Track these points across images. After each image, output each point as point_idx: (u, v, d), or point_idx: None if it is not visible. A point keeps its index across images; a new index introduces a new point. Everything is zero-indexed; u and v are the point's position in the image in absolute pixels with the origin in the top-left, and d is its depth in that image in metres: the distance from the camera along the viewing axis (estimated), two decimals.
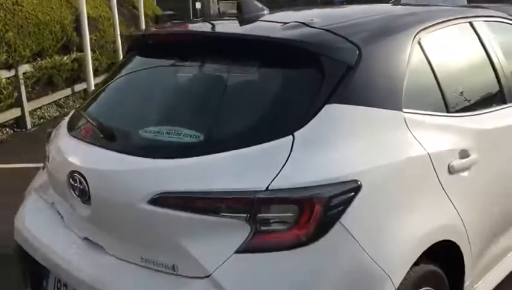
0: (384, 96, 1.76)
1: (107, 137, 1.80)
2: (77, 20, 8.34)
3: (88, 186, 1.71)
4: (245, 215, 1.48)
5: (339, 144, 1.60)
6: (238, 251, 1.47)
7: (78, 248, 1.85)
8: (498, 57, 2.40)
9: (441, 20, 2.18)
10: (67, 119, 2.18)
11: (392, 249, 1.57)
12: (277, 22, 1.97)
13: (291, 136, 1.56)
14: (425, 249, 1.67)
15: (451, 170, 1.85)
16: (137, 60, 2.18)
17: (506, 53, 2.45)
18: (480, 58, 2.35)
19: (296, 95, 1.66)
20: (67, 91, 8.60)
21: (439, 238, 1.74)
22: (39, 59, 7.49)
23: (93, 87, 8.73)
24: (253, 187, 1.48)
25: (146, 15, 12.76)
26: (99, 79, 9.81)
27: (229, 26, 2.20)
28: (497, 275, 2.42)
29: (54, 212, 2.07)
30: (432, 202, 1.76)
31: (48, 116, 7.61)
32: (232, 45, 1.82)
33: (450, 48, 2.23)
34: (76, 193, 1.77)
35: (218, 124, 1.68)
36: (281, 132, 1.57)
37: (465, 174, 1.92)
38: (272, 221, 1.48)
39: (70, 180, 1.78)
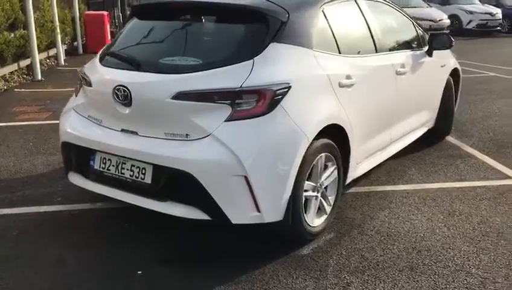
0: (302, 40, 3.04)
1: (137, 64, 2.93)
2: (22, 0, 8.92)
3: (130, 94, 2.82)
4: (229, 101, 2.69)
5: (279, 64, 2.85)
6: (225, 120, 2.67)
7: (118, 135, 2.96)
8: (372, 23, 3.79)
9: None
10: (97, 57, 3.25)
11: (307, 121, 2.85)
12: None
13: (252, 60, 2.79)
14: (326, 125, 2.97)
15: (340, 85, 3.18)
16: (139, 21, 3.31)
17: (377, 20, 3.85)
18: (361, 23, 3.72)
19: (255, 37, 2.91)
20: (14, 66, 9.15)
21: (333, 121, 3.06)
22: None
23: (37, 63, 9.36)
24: (233, 86, 2.69)
25: None
26: (41, 56, 10.39)
27: None
28: (376, 160, 3.86)
29: (90, 121, 3.15)
30: (328, 100, 3.08)
31: None
32: (214, 8, 3.04)
33: (342, 16, 3.56)
34: (120, 99, 2.86)
35: (210, 54, 2.89)
36: (247, 57, 2.79)
37: (349, 89, 3.27)
38: (243, 104, 2.70)
39: (116, 91, 2.87)
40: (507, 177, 4.17)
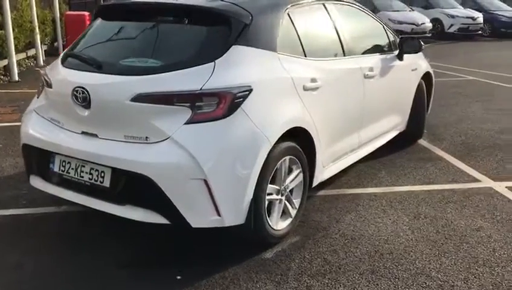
0: (266, 43, 3.04)
1: (98, 65, 2.89)
2: None
3: (89, 95, 2.78)
4: (189, 104, 2.66)
5: (240, 67, 2.84)
6: (185, 123, 2.65)
7: (78, 138, 2.92)
8: (340, 26, 3.79)
9: (302, 1, 3.51)
10: (59, 58, 3.21)
11: (269, 124, 2.84)
12: None
13: (213, 62, 2.77)
14: (289, 127, 2.96)
15: (304, 88, 3.17)
16: (104, 22, 3.27)
17: (345, 23, 3.86)
18: (328, 27, 3.73)
19: (217, 39, 2.89)
20: None
21: (296, 124, 3.05)
22: None
23: (15, 64, 9.23)
24: (193, 88, 2.67)
25: None
26: (20, 56, 10.24)
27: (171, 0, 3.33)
28: (344, 163, 3.85)
29: (52, 123, 3.10)
30: (292, 103, 3.07)
31: None
32: (177, 10, 3.03)
33: (308, 19, 3.56)
34: (80, 100, 2.82)
35: (171, 56, 2.86)
36: (208, 59, 2.77)
37: (314, 92, 3.27)
38: (203, 106, 2.67)
39: (75, 92, 2.83)
40: (475, 180, 4.20)
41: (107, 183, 2.78)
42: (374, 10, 17.11)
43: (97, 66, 2.90)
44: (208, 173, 2.61)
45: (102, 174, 2.79)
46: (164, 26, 3.05)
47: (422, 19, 17.16)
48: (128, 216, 2.75)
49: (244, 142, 2.74)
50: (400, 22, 16.68)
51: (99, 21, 3.35)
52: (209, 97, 2.68)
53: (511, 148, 5.02)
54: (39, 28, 10.98)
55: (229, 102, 2.69)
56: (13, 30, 9.00)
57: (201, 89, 2.67)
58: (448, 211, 3.60)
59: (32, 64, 10.95)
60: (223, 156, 2.68)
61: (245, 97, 2.75)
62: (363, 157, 4.24)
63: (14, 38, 9.12)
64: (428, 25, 17.20)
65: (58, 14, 12.97)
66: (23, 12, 10.42)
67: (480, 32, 18.47)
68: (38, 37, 10.89)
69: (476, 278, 2.77)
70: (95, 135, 2.87)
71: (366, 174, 4.32)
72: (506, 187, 4.01)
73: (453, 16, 18.10)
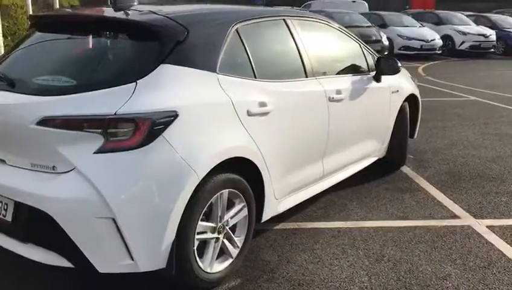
0: (203, 62, 2.70)
1: (10, 83, 2.59)
2: None
3: None
4: (100, 130, 2.33)
5: (166, 89, 2.50)
6: (95, 152, 2.31)
7: None
8: (304, 45, 3.43)
9: (257, 16, 3.17)
10: None
11: (198, 155, 2.49)
12: (138, 10, 2.87)
13: (135, 83, 2.43)
14: (225, 158, 2.61)
15: (249, 113, 2.82)
16: (35, 33, 2.98)
17: (311, 42, 3.50)
18: (288, 45, 3.37)
19: (141, 57, 2.56)
20: None
21: (236, 154, 2.70)
22: None
23: None
24: (106, 112, 2.33)
25: (61, 5, 13.03)
26: None
27: (104, 12, 3.04)
28: (304, 195, 3.47)
29: None
30: (231, 130, 2.71)
31: None
32: (106, 23, 2.73)
33: (263, 36, 3.23)
34: None
35: (88, 74, 2.55)
36: (128, 80, 2.44)
37: (262, 117, 2.91)
38: (117, 133, 2.34)
39: None
40: (453, 216, 3.78)
41: (9, 217, 2.46)
42: (384, 25, 16.78)
43: (10, 84, 2.59)
44: (116, 211, 2.27)
45: (5, 207, 2.47)
46: (89, 41, 2.74)
47: (432, 35, 16.71)
48: (29, 256, 2.42)
49: (164, 175, 2.39)
50: (409, 38, 16.28)
51: (31, 33, 3.05)
52: (124, 123, 2.34)
53: (501, 180, 4.58)
54: None
55: (148, 129, 2.35)
56: (6, 38, 8.88)
57: (115, 113, 2.33)
58: (416, 253, 3.19)
59: None
60: (137, 191, 2.33)
61: (168, 124, 2.41)
62: (335, 185, 3.87)
63: (6, 46, 8.98)
64: (439, 41, 16.74)
65: None
66: (18, 20, 10.32)
67: (492, 50, 17.94)
68: None
69: None
70: (4, 161, 2.56)
71: (336, 205, 3.93)
72: (486, 226, 3.58)
73: (464, 33, 17.62)
